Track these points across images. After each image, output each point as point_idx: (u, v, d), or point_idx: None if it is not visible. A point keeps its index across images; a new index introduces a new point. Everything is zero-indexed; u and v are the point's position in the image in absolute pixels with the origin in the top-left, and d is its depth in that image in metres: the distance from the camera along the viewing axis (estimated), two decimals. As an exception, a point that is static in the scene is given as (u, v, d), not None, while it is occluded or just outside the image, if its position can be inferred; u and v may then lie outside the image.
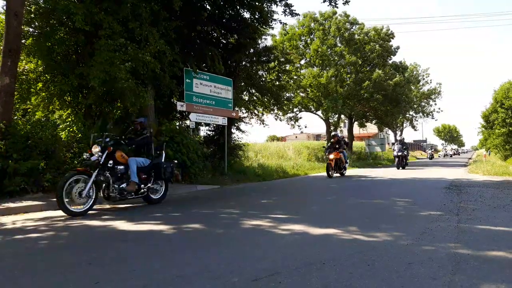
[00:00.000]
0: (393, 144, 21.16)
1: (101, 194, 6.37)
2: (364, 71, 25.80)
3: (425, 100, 46.50)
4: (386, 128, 39.62)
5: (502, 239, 4.09)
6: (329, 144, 15.57)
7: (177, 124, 12.51)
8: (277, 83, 16.63)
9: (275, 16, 14.13)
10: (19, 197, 6.89)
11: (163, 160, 7.30)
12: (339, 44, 25.68)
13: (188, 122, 11.99)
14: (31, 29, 9.58)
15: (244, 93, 15.66)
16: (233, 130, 14.40)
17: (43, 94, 9.93)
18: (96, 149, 6.19)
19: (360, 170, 19.02)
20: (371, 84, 24.38)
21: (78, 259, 3.49)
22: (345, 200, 7.69)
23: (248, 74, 14.46)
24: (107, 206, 6.85)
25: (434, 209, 6.10)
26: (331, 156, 13.96)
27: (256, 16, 13.06)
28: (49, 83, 9.80)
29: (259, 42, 14.52)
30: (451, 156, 51.75)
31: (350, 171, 18.26)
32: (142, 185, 6.83)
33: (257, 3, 12.49)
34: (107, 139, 6.41)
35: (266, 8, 13.06)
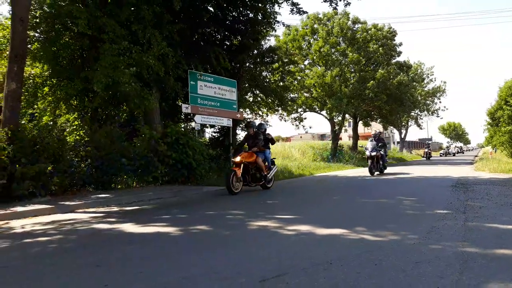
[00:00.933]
0: (370, 140, 15.15)
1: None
2: (367, 70, 25.68)
3: (430, 98, 46.16)
4: (391, 127, 39.32)
5: (509, 237, 4.07)
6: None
7: (183, 126, 12.57)
8: (281, 84, 16.61)
9: (279, 18, 14.10)
10: (28, 201, 6.96)
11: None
12: (342, 44, 25.62)
13: (193, 124, 12.03)
14: (36, 34, 9.66)
15: (248, 94, 15.67)
16: (238, 131, 14.45)
17: (50, 98, 10.02)
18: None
19: (365, 170, 18.93)
20: (376, 83, 24.27)
21: (86, 261, 3.52)
22: (351, 199, 7.68)
23: (252, 75, 14.45)
24: (115, 209, 6.90)
25: (441, 207, 6.07)
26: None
27: (259, 18, 13.06)
28: (55, 87, 9.89)
29: (263, 43, 14.50)
30: (453, 154, 50.02)
31: (356, 170, 18.20)
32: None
33: (260, 4, 12.49)
34: None
35: (269, 9, 13.03)
